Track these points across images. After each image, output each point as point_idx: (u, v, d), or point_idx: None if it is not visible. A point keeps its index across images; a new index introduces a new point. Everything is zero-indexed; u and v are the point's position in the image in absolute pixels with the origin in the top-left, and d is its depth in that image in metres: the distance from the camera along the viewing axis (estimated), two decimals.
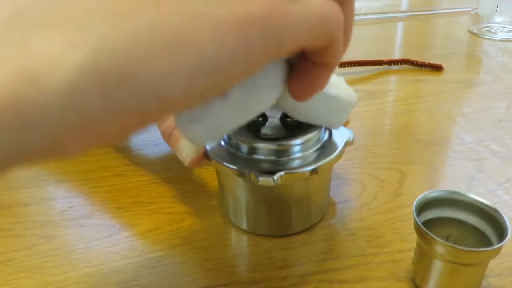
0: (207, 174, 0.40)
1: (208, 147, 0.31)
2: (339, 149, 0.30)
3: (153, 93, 0.14)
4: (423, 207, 0.28)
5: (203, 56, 0.14)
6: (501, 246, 0.25)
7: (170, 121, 0.32)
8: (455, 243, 0.25)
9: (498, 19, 0.76)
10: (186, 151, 0.30)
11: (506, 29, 0.75)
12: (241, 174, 0.29)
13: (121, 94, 0.13)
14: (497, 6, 0.73)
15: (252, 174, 0.28)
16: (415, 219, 0.26)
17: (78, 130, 0.13)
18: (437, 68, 0.61)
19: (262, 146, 0.29)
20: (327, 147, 0.31)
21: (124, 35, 0.13)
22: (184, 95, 0.14)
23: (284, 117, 0.30)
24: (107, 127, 0.14)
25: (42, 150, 0.13)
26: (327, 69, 0.20)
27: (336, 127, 0.30)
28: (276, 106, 0.24)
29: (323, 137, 0.31)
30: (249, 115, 0.23)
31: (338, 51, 0.19)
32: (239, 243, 0.33)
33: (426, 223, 0.28)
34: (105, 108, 0.13)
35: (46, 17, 0.13)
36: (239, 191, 0.32)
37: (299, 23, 0.16)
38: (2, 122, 0.12)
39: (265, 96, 0.23)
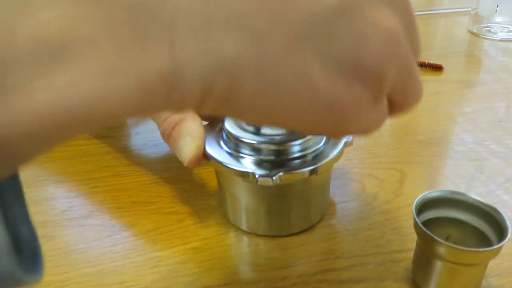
0: (207, 174, 0.40)
1: (207, 147, 0.31)
2: (338, 150, 0.30)
3: (233, 111, 0.16)
4: (423, 207, 0.28)
5: (283, 112, 0.16)
6: (501, 246, 0.25)
7: (169, 121, 0.32)
8: (455, 243, 0.25)
9: (498, 19, 0.76)
10: (186, 151, 0.30)
11: (506, 29, 0.75)
12: (240, 174, 0.29)
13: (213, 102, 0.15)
14: (497, 6, 0.73)
15: (251, 175, 0.28)
16: (415, 219, 0.26)
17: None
18: (437, 68, 0.61)
19: (261, 146, 0.29)
20: (326, 147, 0.30)
21: (249, 60, 0.14)
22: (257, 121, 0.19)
23: None
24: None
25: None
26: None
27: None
28: None
29: (323, 137, 0.31)
30: None
31: None
32: (239, 243, 0.33)
33: (426, 223, 0.28)
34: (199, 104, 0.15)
35: (195, 11, 0.13)
36: (238, 191, 0.32)
37: (365, 123, 0.19)
38: (123, 106, 0.13)
39: None
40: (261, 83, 0.15)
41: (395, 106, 0.20)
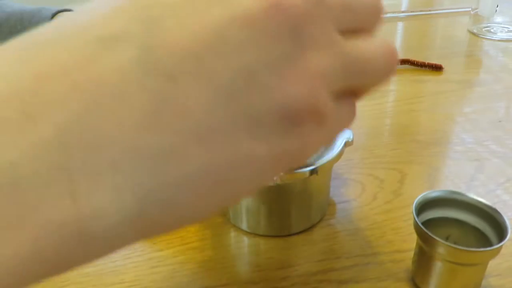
0: None
1: None
2: (338, 149, 0.30)
3: (178, 222, 0.15)
4: (423, 207, 0.28)
5: (239, 189, 0.15)
6: (501, 246, 0.25)
7: None
8: (455, 243, 0.25)
9: (498, 19, 0.76)
10: None
11: (506, 29, 0.75)
12: None
13: (155, 230, 0.14)
14: (497, 6, 0.73)
15: None
16: (415, 219, 0.26)
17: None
18: (437, 68, 0.61)
19: None
20: (326, 147, 0.30)
21: (172, 181, 0.13)
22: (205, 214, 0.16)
23: None
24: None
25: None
26: None
27: None
28: None
29: None
30: None
31: None
32: (239, 243, 0.33)
33: (426, 223, 0.28)
34: (136, 238, 0.14)
35: (93, 158, 0.12)
36: None
37: (322, 142, 0.17)
38: (33, 270, 0.12)
39: None
40: (190, 187, 0.14)
41: (359, 92, 0.18)
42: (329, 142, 0.18)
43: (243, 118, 0.14)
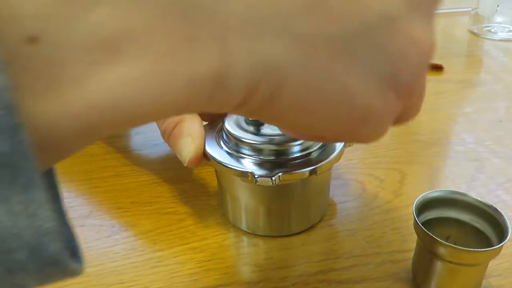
0: (207, 174, 0.40)
1: (207, 147, 0.31)
2: (338, 150, 0.30)
3: (268, 116, 0.16)
4: (423, 207, 0.28)
5: (321, 121, 0.17)
6: (501, 246, 0.25)
7: (169, 121, 0.32)
8: (455, 243, 0.25)
9: (498, 19, 0.76)
10: (186, 151, 0.30)
11: (507, 29, 0.75)
12: (240, 175, 0.29)
13: (254, 101, 0.15)
14: (498, 6, 0.73)
15: (251, 175, 0.28)
16: (415, 219, 0.26)
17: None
18: (437, 68, 0.61)
19: (261, 146, 0.29)
20: (326, 147, 0.30)
21: (293, 69, 0.14)
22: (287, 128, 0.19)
23: None
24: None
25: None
26: None
27: None
28: None
29: None
30: None
31: None
32: (239, 243, 0.33)
33: (426, 223, 0.28)
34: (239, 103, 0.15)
35: (251, 5, 0.13)
36: (238, 191, 0.32)
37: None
38: (167, 105, 0.13)
39: None
40: (302, 89, 0.15)
41: (398, 118, 0.20)
42: (379, 135, 0.19)
43: (367, 59, 0.15)
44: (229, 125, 0.31)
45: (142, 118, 0.13)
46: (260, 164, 0.29)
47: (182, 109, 0.14)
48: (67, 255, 0.12)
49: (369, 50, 0.15)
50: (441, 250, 0.25)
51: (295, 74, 0.14)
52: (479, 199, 0.28)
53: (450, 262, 0.26)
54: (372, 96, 0.16)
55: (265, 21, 0.14)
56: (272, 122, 0.18)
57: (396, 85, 0.16)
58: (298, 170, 0.28)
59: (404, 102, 0.18)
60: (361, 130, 0.17)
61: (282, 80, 0.14)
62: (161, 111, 0.13)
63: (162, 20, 0.12)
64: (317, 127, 0.17)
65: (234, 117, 0.31)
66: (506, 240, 0.25)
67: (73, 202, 0.37)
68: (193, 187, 0.38)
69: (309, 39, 0.14)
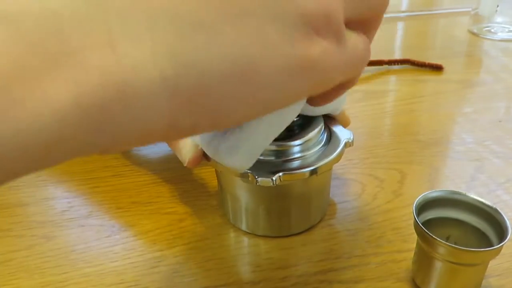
0: (207, 174, 0.40)
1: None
2: (338, 150, 0.30)
3: (209, 118, 0.15)
4: (423, 207, 0.28)
5: (267, 91, 0.16)
6: (501, 246, 0.25)
7: None
8: (455, 243, 0.25)
9: (498, 19, 0.76)
10: (186, 151, 0.30)
11: (507, 29, 0.75)
12: (240, 175, 0.29)
13: (187, 110, 0.14)
14: (497, 6, 0.73)
15: (251, 175, 0.28)
16: (415, 219, 0.26)
17: (136, 136, 0.14)
18: (437, 68, 0.61)
19: None
20: (327, 147, 0.30)
21: (208, 54, 0.14)
22: (237, 120, 0.16)
23: None
24: (160, 134, 0.14)
25: (113, 147, 0.14)
26: (348, 87, 0.21)
27: (337, 113, 0.33)
28: None
29: (323, 138, 0.31)
30: (282, 128, 0.25)
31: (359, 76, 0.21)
32: (239, 244, 0.33)
33: (426, 223, 0.28)
34: (169, 122, 0.14)
35: (131, 14, 0.13)
36: (238, 191, 0.32)
37: (344, 66, 0.18)
38: (83, 125, 0.12)
39: (297, 108, 0.25)
40: (224, 65, 0.14)
41: (366, 23, 0.19)
42: (350, 70, 0.19)
43: (272, 13, 0.15)
44: None
45: (37, 153, 0.12)
46: (260, 165, 0.29)
47: (91, 131, 0.12)
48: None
49: (265, 1, 0.15)
50: (441, 250, 0.25)
51: (208, 57, 0.14)
52: (479, 199, 0.28)
53: (450, 262, 0.26)
54: (292, 42, 0.15)
55: (156, 16, 0.13)
56: (217, 115, 0.16)
57: (307, 21, 0.16)
58: (298, 170, 0.28)
59: (336, 26, 0.16)
60: (317, 78, 0.17)
61: (199, 68, 0.14)
62: (64, 136, 0.12)
63: (33, 45, 0.11)
64: (264, 100, 0.16)
65: None
66: (506, 240, 0.25)
67: (73, 202, 0.37)
68: (193, 187, 0.38)
69: (206, 20, 0.14)
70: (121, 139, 0.13)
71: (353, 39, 0.18)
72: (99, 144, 0.13)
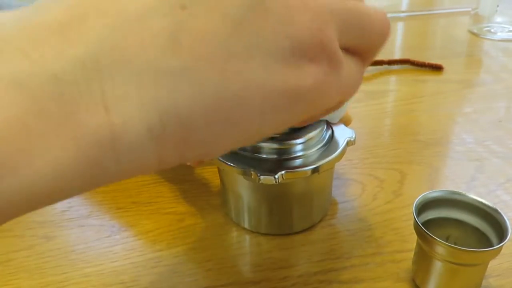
0: (209, 174, 0.40)
1: None
2: (340, 149, 0.30)
3: (196, 152, 0.16)
4: (423, 207, 0.28)
5: (253, 124, 0.16)
6: (501, 246, 0.25)
7: None
8: (455, 243, 0.25)
9: (498, 19, 0.76)
10: None
11: (507, 29, 0.75)
12: (243, 173, 0.29)
13: (175, 149, 0.15)
14: (498, 6, 0.73)
15: (253, 173, 0.28)
16: (415, 219, 0.26)
17: (128, 176, 0.15)
18: (437, 68, 0.61)
19: (264, 145, 0.29)
20: (328, 146, 0.30)
21: (191, 101, 0.14)
22: (226, 149, 0.17)
23: None
24: (150, 170, 0.16)
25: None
26: (337, 109, 0.21)
27: (336, 121, 0.33)
28: None
29: (325, 137, 0.31)
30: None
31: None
32: (239, 243, 0.33)
33: (426, 223, 0.28)
34: (158, 161, 0.15)
35: (120, 72, 0.13)
36: (241, 189, 0.32)
37: (337, 92, 0.18)
38: (80, 177, 0.13)
39: None
40: (207, 107, 0.15)
41: (363, 53, 0.19)
42: (343, 95, 0.18)
43: (256, 48, 0.15)
44: None
45: (41, 201, 0.14)
46: (262, 163, 0.29)
47: (88, 180, 0.14)
48: None
49: (251, 35, 0.15)
50: (441, 250, 0.25)
51: (193, 102, 0.14)
52: (479, 199, 0.28)
53: (450, 262, 0.26)
54: (281, 74, 0.15)
55: (140, 72, 0.13)
56: (206, 151, 0.17)
57: (297, 50, 0.16)
58: (300, 168, 0.28)
59: (328, 54, 0.16)
60: (309, 106, 0.17)
61: (184, 115, 0.14)
62: (62, 188, 0.13)
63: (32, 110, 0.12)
64: (253, 131, 0.16)
65: None
66: (506, 240, 0.25)
67: (73, 202, 0.37)
68: (193, 187, 0.38)
69: (190, 67, 0.14)
70: (114, 181, 0.15)
71: (348, 63, 0.18)
72: (95, 186, 0.14)
